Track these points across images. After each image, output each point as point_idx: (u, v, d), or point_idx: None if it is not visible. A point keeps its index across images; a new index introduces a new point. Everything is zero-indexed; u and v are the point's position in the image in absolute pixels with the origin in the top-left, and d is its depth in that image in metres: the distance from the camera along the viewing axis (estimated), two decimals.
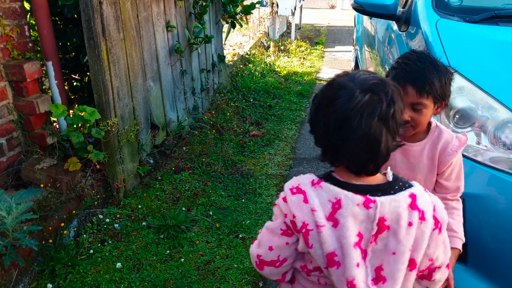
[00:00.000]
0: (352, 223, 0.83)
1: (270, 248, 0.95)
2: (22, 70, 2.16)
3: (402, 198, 0.85)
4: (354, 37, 5.98)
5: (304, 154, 3.51)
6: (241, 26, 4.53)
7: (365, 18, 4.48)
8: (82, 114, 2.24)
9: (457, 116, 1.76)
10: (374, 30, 3.70)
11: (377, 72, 3.30)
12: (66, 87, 2.70)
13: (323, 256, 0.86)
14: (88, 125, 2.31)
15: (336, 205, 0.84)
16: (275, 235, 0.94)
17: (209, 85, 4.10)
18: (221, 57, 4.41)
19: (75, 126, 2.31)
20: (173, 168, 3.04)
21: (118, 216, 2.46)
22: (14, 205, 1.78)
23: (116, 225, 2.39)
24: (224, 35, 4.58)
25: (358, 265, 0.84)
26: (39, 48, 2.47)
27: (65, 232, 2.15)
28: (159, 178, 2.93)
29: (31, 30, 2.34)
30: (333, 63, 6.80)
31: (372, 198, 0.84)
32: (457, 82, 1.81)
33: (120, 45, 2.44)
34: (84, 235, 2.26)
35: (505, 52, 1.93)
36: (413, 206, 0.85)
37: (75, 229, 2.26)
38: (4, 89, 2.19)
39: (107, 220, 2.41)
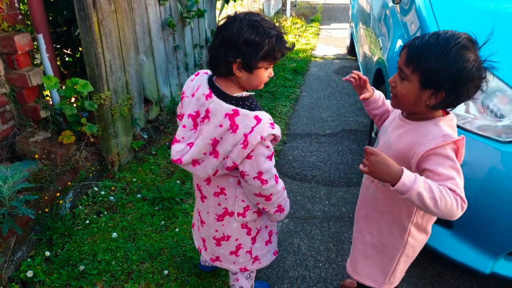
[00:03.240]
0: (195, 103, 1.23)
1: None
2: (12, 42, 2.15)
3: (226, 107, 1.16)
4: (350, 14, 5.92)
5: (298, 130, 3.53)
6: (235, 1, 4.46)
7: None
8: (75, 87, 2.24)
9: None
10: (370, 7, 3.67)
11: (371, 49, 3.29)
12: (58, 62, 2.68)
13: (181, 113, 1.32)
14: (81, 98, 2.31)
15: (197, 89, 1.24)
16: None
17: (203, 60, 4.07)
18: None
19: (68, 99, 2.31)
20: (167, 143, 3.05)
21: (113, 188, 2.50)
22: (10, 175, 1.80)
23: (111, 198, 2.42)
24: (217, 10, 4.52)
25: (184, 126, 1.26)
26: (29, 22, 2.44)
27: (61, 202, 2.18)
28: (153, 152, 2.95)
29: (20, 3, 2.30)
30: (328, 41, 6.74)
31: (213, 96, 1.19)
32: None
33: (111, 17, 2.42)
34: (80, 207, 2.30)
35: (497, 22, 1.94)
36: (230, 117, 1.15)
37: (70, 199, 2.29)
38: None
39: (102, 192, 2.44)
